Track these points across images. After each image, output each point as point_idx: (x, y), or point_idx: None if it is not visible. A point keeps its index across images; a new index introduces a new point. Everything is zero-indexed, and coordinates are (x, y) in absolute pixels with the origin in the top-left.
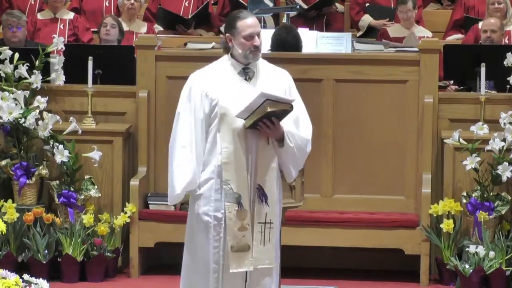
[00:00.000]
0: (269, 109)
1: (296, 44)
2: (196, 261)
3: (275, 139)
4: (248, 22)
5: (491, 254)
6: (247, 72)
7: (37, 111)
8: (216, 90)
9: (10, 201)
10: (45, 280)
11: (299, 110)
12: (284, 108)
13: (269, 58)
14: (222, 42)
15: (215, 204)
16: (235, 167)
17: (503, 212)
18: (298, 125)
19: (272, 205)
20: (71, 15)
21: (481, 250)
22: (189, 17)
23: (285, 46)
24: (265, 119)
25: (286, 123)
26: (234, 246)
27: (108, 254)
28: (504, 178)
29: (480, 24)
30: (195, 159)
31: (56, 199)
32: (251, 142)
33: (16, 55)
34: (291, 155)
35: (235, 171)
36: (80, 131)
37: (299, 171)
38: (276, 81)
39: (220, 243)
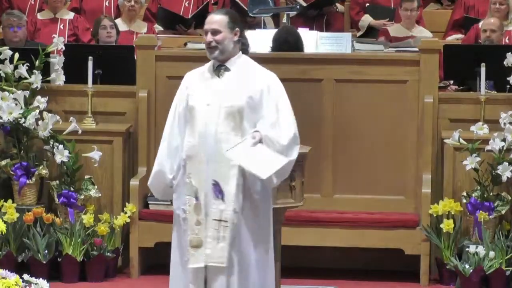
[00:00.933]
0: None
1: (297, 46)
2: (176, 256)
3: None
4: (207, 18)
5: (491, 254)
6: (221, 69)
7: (37, 111)
8: (192, 86)
9: (10, 201)
10: (45, 280)
11: (281, 114)
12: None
13: (269, 58)
14: None
15: (183, 197)
16: (194, 161)
17: (503, 212)
18: (276, 129)
19: (229, 203)
20: (71, 15)
21: (481, 250)
22: (189, 17)
23: (286, 48)
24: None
25: (264, 128)
26: (192, 241)
27: (108, 254)
28: (504, 178)
29: (481, 23)
30: (166, 152)
31: (56, 199)
32: (211, 137)
33: (16, 55)
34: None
35: (194, 164)
36: (80, 131)
37: (299, 171)
38: (251, 79)
39: (186, 235)
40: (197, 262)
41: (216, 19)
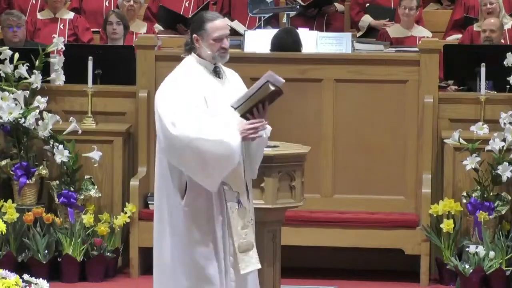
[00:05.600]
0: (271, 88)
1: (295, 48)
2: (196, 265)
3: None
4: (217, 24)
5: (491, 254)
6: (218, 71)
7: (37, 111)
8: (200, 93)
9: (10, 201)
10: (45, 280)
11: None
12: (278, 91)
13: (268, 58)
14: (186, 42)
15: (216, 204)
16: None
17: (503, 212)
18: None
19: (252, 201)
20: (71, 15)
21: (481, 250)
22: (190, 16)
23: (285, 49)
24: (259, 104)
25: None
26: (240, 246)
27: (108, 254)
28: (504, 178)
29: (475, 25)
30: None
31: (56, 199)
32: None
33: (16, 55)
34: (260, 148)
35: (232, 169)
36: (80, 131)
37: (299, 171)
38: (235, 77)
39: (225, 244)
40: (249, 266)
41: (226, 23)
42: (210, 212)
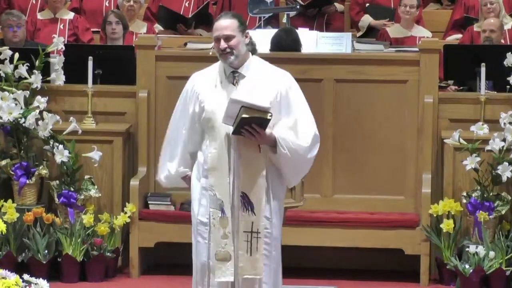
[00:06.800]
0: (243, 115)
1: (294, 48)
2: (195, 264)
3: (267, 145)
4: (216, 24)
5: (491, 254)
6: (235, 76)
7: (37, 111)
8: (205, 94)
9: (10, 201)
10: (45, 280)
11: (300, 114)
12: (261, 116)
13: (268, 58)
14: None
15: (201, 209)
16: (218, 173)
17: (503, 212)
18: (296, 130)
19: (259, 214)
20: (71, 15)
21: (481, 250)
22: (189, 16)
23: (284, 48)
24: (247, 126)
25: (280, 128)
26: (218, 254)
27: (108, 254)
28: (504, 178)
29: (475, 25)
30: (179, 154)
31: (56, 199)
32: (236, 148)
33: (16, 55)
34: (286, 161)
35: (218, 177)
36: (80, 131)
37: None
38: (267, 83)
39: (206, 249)
40: (224, 275)
41: (227, 24)
42: (196, 212)
